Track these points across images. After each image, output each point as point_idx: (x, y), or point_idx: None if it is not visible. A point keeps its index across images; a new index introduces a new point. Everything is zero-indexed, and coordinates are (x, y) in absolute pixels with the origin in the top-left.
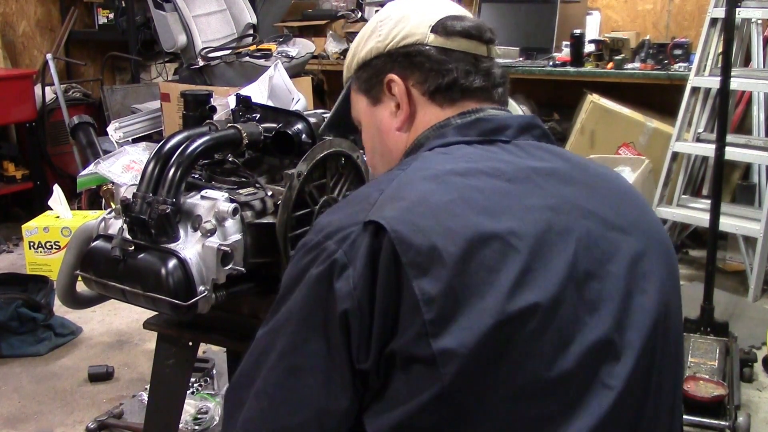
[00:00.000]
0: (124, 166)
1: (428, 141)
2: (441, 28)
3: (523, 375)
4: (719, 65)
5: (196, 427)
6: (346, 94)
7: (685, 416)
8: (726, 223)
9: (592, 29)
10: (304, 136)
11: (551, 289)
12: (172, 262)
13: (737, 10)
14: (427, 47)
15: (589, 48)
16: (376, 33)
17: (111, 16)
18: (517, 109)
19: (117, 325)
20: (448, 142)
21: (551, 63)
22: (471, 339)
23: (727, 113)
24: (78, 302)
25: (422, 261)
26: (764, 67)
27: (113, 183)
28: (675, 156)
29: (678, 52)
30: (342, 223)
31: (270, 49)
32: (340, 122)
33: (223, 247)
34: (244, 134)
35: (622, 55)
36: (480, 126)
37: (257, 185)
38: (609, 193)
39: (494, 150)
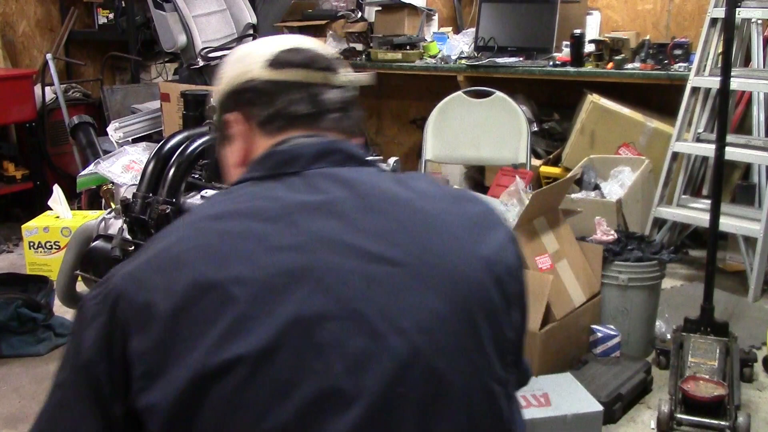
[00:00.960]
0: (124, 166)
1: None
2: (274, 61)
3: (233, 428)
4: (719, 65)
5: None
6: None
7: (685, 416)
8: (726, 223)
9: (592, 29)
10: None
11: (266, 336)
12: None
13: (737, 10)
14: (258, 81)
15: (589, 48)
16: (222, 77)
17: (111, 16)
18: (517, 109)
19: None
20: (241, 179)
21: (551, 63)
22: (171, 394)
23: (727, 113)
24: (78, 302)
25: (139, 318)
26: (764, 67)
27: (113, 183)
28: (675, 156)
29: (678, 52)
30: (108, 275)
31: None
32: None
33: None
34: None
35: (622, 55)
36: (271, 160)
37: None
38: (392, 221)
39: (274, 186)
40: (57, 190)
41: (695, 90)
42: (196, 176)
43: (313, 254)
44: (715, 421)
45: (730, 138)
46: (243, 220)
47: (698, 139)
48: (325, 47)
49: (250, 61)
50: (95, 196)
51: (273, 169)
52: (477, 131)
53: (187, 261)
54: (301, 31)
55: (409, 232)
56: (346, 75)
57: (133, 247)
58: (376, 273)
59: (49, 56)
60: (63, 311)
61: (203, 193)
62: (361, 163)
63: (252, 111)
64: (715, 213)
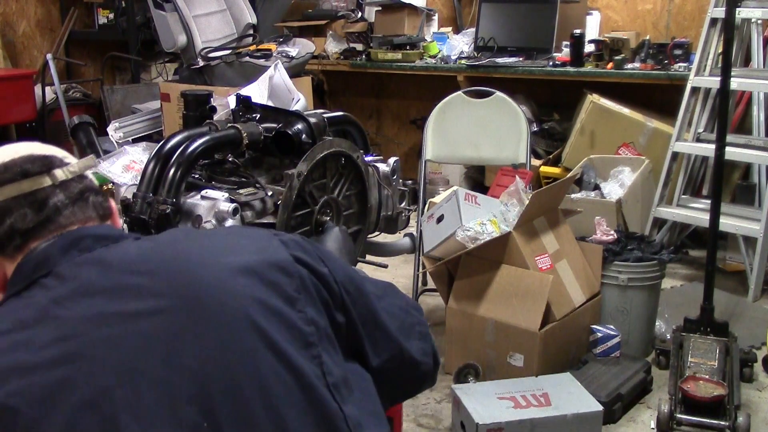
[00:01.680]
0: (124, 166)
1: None
2: None
3: None
4: (719, 65)
5: None
6: None
7: (684, 416)
8: (726, 223)
9: (592, 29)
10: (304, 136)
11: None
12: None
13: (737, 10)
14: None
15: (589, 48)
16: None
17: (111, 16)
18: (517, 109)
19: None
20: (3, 299)
21: (551, 63)
22: None
23: (727, 113)
24: None
25: None
26: (764, 67)
27: (113, 183)
28: (675, 156)
29: (678, 52)
30: None
31: (270, 49)
32: None
33: None
34: (244, 134)
35: (622, 55)
36: (21, 271)
37: (257, 185)
38: (147, 275)
39: (31, 294)
40: None
41: (695, 90)
42: (196, 176)
43: (79, 337)
44: (715, 421)
45: (730, 138)
46: (7, 336)
47: (698, 139)
48: (39, 147)
49: None
50: None
51: (26, 279)
52: (477, 131)
53: None
54: (301, 31)
55: (165, 277)
56: (68, 168)
57: None
58: (147, 327)
59: (49, 56)
60: None
61: (203, 193)
62: (111, 241)
63: None
64: (715, 213)
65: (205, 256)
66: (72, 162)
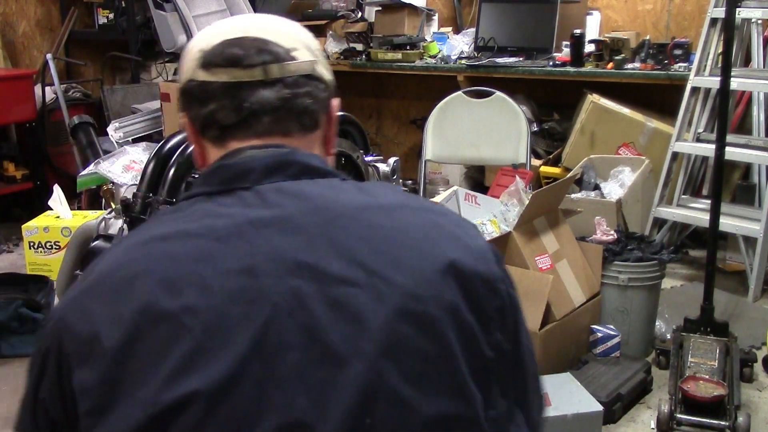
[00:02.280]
0: (124, 166)
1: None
2: (205, 59)
3: None
4: (719, 65)
5: None
6: None
7: (684, 416)
8: (726, 223)
9: (592, 29)
10: None
11: (223, 370)
12: None
13: (737, 10)
14: (192, 84)
15: (589, 48)
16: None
17: (111, 16)
18: (517, 109)
19: None
20: (191, 194)
21: (551, 63)
22: None
23: (727, 113)
24: None
25: (83, 350)
26: (764, 67)
27: (113, 183)
28: (675, 156)
29: (678, 52)
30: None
31: None
32: None
33: None
34: None
35: (622, 55)
36: (221, 174)
37: None
38: (351, 237)
39: (226, 202)
40: (57, 190)
41: (695, 90)
42: (196, 176)
43: (269, 278)
44: (715, 421)
45: (730, 138)
46: (193, 240)
47: (698, 139)
48: (285, 28)
49: (190, 57)
50: (95, 196)
51: (224, 184)
52: (477, 131)
53: (134, 288)
54: None
55: (369, 248)
56: (286, 65)
57: None
58: (336, 296)
59: (49, 56)
60: None
61: None
62: (318, 175)
63: (190, 116)
64: (715, 213)
65: (421, 244)
66: (303, 54)
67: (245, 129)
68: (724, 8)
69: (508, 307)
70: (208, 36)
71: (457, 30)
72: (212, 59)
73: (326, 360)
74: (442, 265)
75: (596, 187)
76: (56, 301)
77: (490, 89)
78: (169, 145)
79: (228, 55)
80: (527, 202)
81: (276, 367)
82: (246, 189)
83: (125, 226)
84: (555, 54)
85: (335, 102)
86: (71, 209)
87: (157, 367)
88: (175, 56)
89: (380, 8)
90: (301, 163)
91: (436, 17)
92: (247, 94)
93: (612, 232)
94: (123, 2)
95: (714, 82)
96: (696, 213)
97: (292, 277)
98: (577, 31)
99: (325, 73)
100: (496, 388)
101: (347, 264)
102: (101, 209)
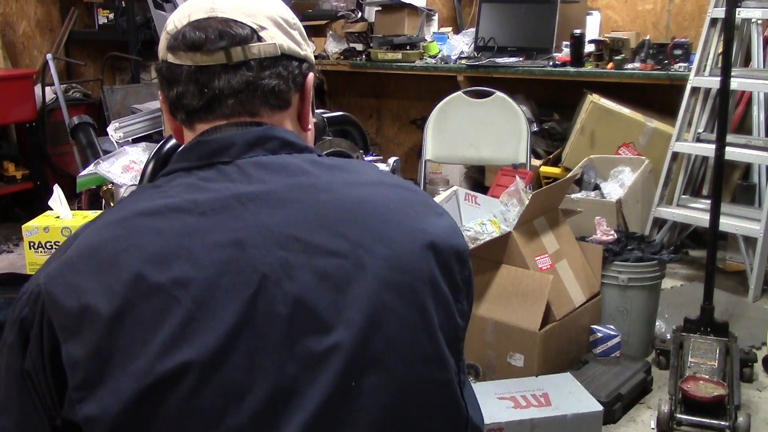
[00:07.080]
0: (124, 166)
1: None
2: (172, 41)
3: None
4: (719, 65)
5: None
6: None
7: (685, 416)
8: (726, 223)
9: (592, 29)
10: None
11: (215, 340)
12: None
13: (737, 10)
14: (162, 65)
15: (589, 48)
16: None
17: (111, 16)
18: (517, 109)
19: None
20: (170, 170)
21: (551, 63)
22: (115, 405)
23: (727, 113)
24: None
25: (72, 323)
26: (764, 67)
27: (113, 183)
28: (675, 156)
29: (678, 52)
30: (35, 276)
31: None
32: None
33: None
34: None
35: (622, 55)
36: (200, 149)
37: None
38: (334, 209)
39: (208, 176)
40: (57, 190)
41: (695, 90)
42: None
43: (257, 249)
44: (715, 421)
45: (730, 138)
46: (177, 215)
47: (698, 139)
48: (254, 7)
49: (162, 37)
50: (95, 196)
51: (204, 158)
52: (477, 131)
53: (124, 262)
54: None
55: (352, 220)
56: (250, 48)
57: None
58: (323, 267)
59: (49, 56)
60: None
61: None
62: (296, 150)
63: (163, 96)
64: (715, 213)
65: (401, 219)
66: (271, 34)
67: (210, 112)
68: (724, 8)
69: (470, 277)
70: (178, 16)
71: (457, 30)
72: (176, 43)
73: (314, 328)
74: (422, 239)
75: (596, 187)
76: None
77: (490, 89)
78: (168, 145)
79: (190, 39)
80: (527, 202)
81: (266, 336)
82: (226, 163)
83: None
84: (555, 54)
85: (310, 77)
86: (71, 209)
87: (150, 340)
88: None
89: (380, 8)
90: (280, 138)
91: (436, 17)
92: (209, 78)
93: (612, 232)
94: (123, 2)
95: (714, 82)
96: (696, 213)
97: (280, 249)
98: (577, 31)
99: (298, 49)
100: (459, 346)
101: (333, 236)
102: (101, 209)
